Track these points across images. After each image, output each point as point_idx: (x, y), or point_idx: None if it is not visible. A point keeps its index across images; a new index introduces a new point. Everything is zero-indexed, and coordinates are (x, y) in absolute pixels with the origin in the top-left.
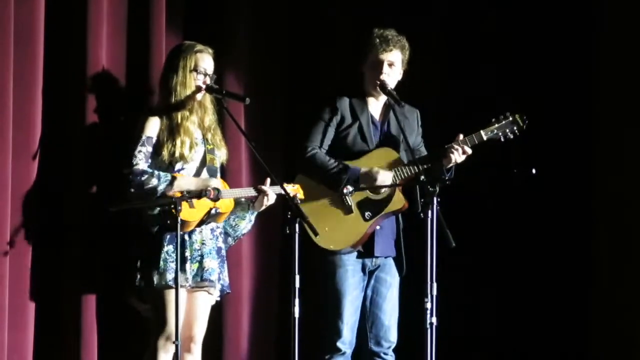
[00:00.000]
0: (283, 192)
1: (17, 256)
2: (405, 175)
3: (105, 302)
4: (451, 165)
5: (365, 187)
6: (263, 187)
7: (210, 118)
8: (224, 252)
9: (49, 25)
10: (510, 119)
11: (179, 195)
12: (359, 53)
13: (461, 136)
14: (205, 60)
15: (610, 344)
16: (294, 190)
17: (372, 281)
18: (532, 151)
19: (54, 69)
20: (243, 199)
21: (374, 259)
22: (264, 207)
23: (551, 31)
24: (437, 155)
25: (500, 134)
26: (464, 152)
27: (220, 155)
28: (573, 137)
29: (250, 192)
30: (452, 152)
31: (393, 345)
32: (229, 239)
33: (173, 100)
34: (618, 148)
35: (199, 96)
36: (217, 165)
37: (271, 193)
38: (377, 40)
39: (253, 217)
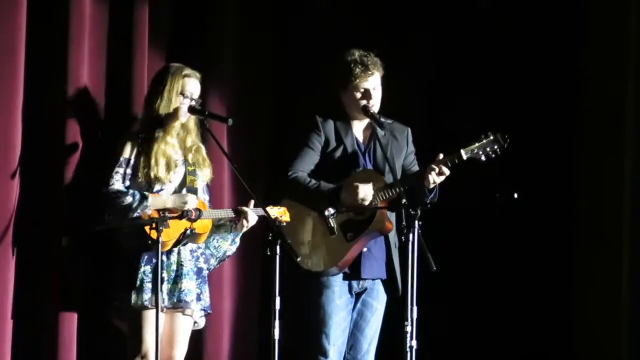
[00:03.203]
0: (265, 214)
1: None
2: (386, 196)
3: (85, 321)
4: (432, 186)
5: (347, 209)
6: (244, 208)
7: (192, 139)
8: (205, 273)
9: (30, 44)
10: (491, 137)
11: (157, 215)
12: (337, 80)
13: (441, 156)
14: (192, 85)
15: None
16: (280, 212)
17: (359, 304)
18: (515, 174)
19: (35, 88)
20: (227, 221)
21: (360, 281)
22: (245, 229)
23: (536, 48)
24: (417, 176)
25: (481, 153)
26: (440, 173)
27: (203, 175)
28: (556, 159)
29: (229, 213)
30: (430, 173)
31: None
32: (212, 260)
33: (155, 121)
34: (600, 168)
35: (183, 118)
36: (198, 186)
37: (251, 214)
38: (357, 68)
39: (237, 239)
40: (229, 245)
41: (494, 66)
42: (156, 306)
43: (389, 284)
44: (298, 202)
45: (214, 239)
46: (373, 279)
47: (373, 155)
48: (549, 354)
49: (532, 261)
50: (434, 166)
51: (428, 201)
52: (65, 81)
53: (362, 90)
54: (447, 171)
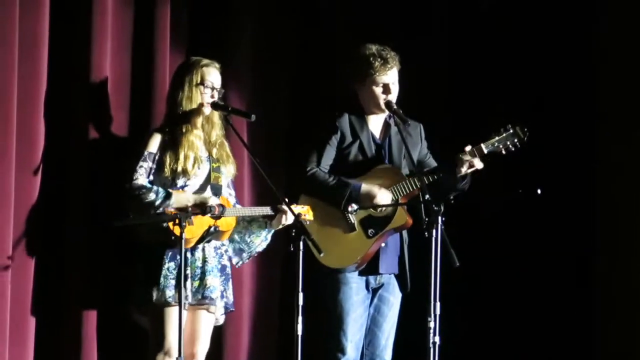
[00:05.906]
0: (287, 209)
1: (19, 270)
2: (406, 191)
3: (106, 317)
4: (464, 174)
5: (367, 206)
6: (283, 206)
7: (217, 133)
8: (228, 271)
9: (53, 40)
10: (511, 131)
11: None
12: (354, 74)
13: (468, 148)
14: (212, 74)
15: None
16: (304, 211)
17: (376, 300)
18: (536, 168)
19: (58, 84)
20: (260, 217)
21: (377, 277)
22: (281, 226)
23: (552, 38)
24: (449, 165)
25: (501, 146)
26: (471, 166)
27: (227, 171)
28: (576, 150)
29: (267, 211)
30: (462, 166)
31: None
32: (244, 255)
33: (179, 115)
34: (621, 159)
35: (206, 111)
36: (222, 183)
37: (289, 213)
38: (376, 62)
39: (269, 236)
40: (261, 241)
41: (509, 60)
42: (179, 302)
43: (400, 279)
44: (316, 198)
45: (246, 235)
46: (389, 274)
47: (389, 150)
48: (572, 352)
49: (554, 257)
50: (465, 159)
51: (461, 187)
52: (88, 78)
53: (381, 84)
54: (478, 164)
